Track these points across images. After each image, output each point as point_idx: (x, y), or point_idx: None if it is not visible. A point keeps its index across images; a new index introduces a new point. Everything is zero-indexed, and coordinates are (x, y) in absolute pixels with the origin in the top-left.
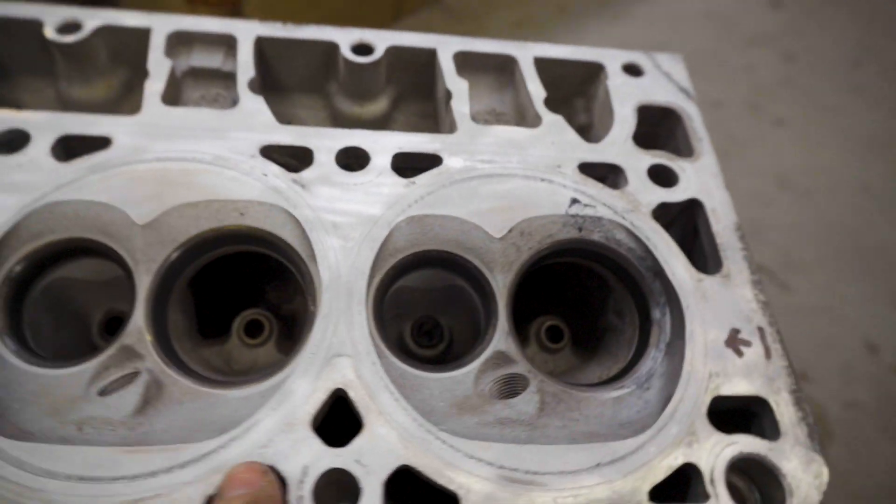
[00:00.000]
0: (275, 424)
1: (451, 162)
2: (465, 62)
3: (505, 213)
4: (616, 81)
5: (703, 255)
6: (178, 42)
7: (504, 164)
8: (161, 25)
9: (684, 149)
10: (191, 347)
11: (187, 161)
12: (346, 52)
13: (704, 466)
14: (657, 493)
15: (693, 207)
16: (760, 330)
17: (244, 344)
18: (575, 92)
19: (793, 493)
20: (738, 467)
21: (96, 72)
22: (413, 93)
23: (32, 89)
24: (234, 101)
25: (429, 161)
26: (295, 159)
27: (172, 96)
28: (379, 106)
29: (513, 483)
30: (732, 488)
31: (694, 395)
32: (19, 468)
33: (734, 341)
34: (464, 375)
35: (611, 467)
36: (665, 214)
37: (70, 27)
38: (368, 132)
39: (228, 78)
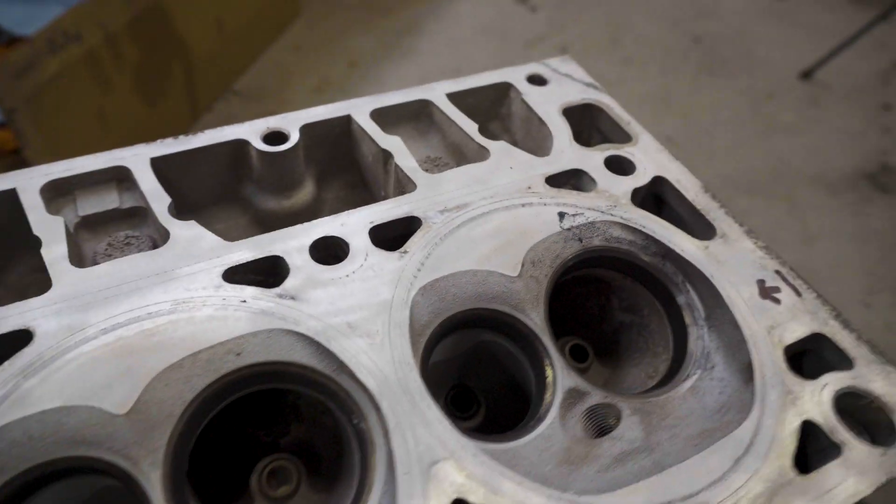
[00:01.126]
0: None
1: (429, 219)
2: (381, 119)
3: (509, 250)
4: (531, 94)
5: (682, 224)
6: (57, 193)
7: (478, 203)
8: (26, 181)
9: (619, 136)
10: None
11: (143, 320)
12: (258, 144)
13: (819, 418)
14: (797, 463)
15: (657, 185)
16: (779, 273)
17: (273, 500)
18: (488, 117)
19: (893, 410)
20: (839, 407)
21: None
22: (333, 168)
23: None
24: (151, 239)
25: (405, 225)
26: (264, 275)
27: (76, 257)
28: (306, 192)
29: None
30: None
31: (768, 354)
32: None
33: (766, 292)
34: (549, 428)
35: (749, 457)
36: (635, 201)
37: None
38: (328, 218)
39: (133, 216)
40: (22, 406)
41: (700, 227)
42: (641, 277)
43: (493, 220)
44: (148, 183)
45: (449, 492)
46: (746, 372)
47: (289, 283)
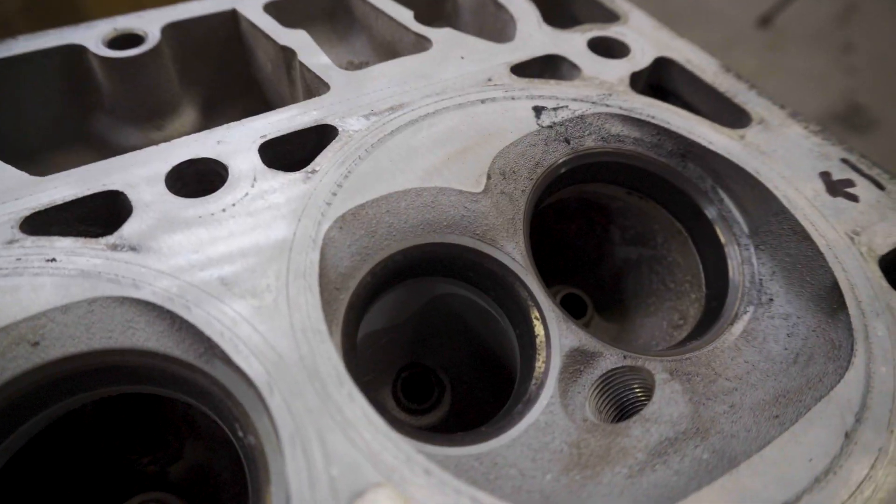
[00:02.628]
0: None
1: (348, 125)
2: (281, 18)
3: (467, 158)
4: None
5: (715, 115)
6: None
7: (420, 101)
8: None
9: (602, 16)
10: None
11: None
12: (99, 49)
13: None
14: None
15: (662, 70)
16: (846, 162)
17: None
18: (431, 15)
19: None
20: None
21: None
22: (225, 90)
23: None
24: None
25: (315, 137)
26: (95, 222)
27: None
28: (184, 121)
29: None
30: None
31: (858, 269)
32: None
33: (835, 187)
34: (545, 413)
35: (864, 428)
36: (638, 89)
37: None
38: (199, 134)
39: None
40: None
41: (728, 115)
42: (653, 190)
43: (441, 121)
44: None
45: None
46: (828, 299)
47: (128, 229)
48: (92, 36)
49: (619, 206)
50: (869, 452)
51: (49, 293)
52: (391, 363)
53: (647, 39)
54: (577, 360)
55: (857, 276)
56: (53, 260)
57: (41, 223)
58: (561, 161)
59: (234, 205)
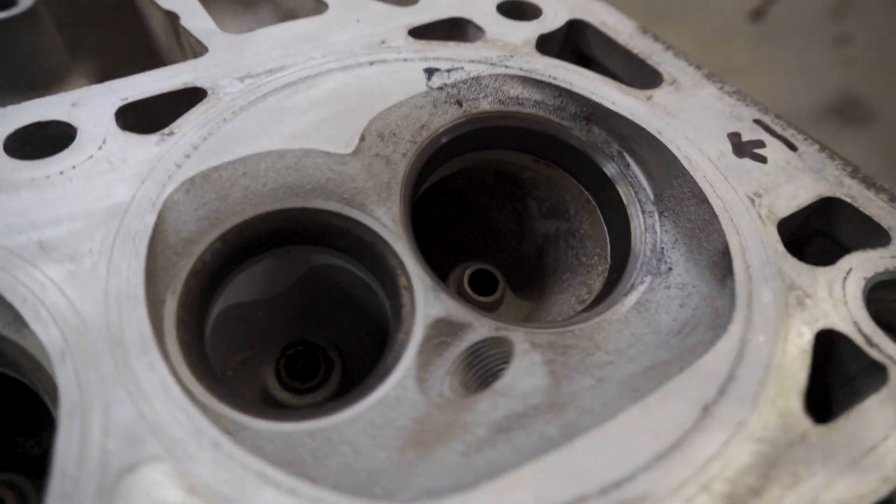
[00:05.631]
0: None
1: (220, 87)
2: None
3: (342, 120)
4: None
5: (631, 77)
6: None
7: (304, 64)
8: None
9: None
10: None
11: None
12: None
13: (844, 324)
14: (811, 400)
15: (576, 32)
16: (759, 123)
17: None
18: None
19: None
20: (876, 300)
21: None
22: (123, 59)
23: None
24: None
25: (185, 101)
26: None
27: None
28: (70, 86)
29: None
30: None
31: (754, 233)
32: None
33: (743, 147)
34: (398, 388)
35: (727, 401)
36: (549, 53)
37: None
38: (57, 96)
39: None
40: None
41: (640, 77)
42: (559, 157)
43: (322, 83)
44: None
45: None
46: (721, 265)
47: None
48: None
49: (529, 175)
50: (725, 427)
51: None
52: (273, 339)
53: (562, 2)
54: (443, 332)
55: (751, 240)
56: None
57: None
58: (450, 123)
59: (73, 167)
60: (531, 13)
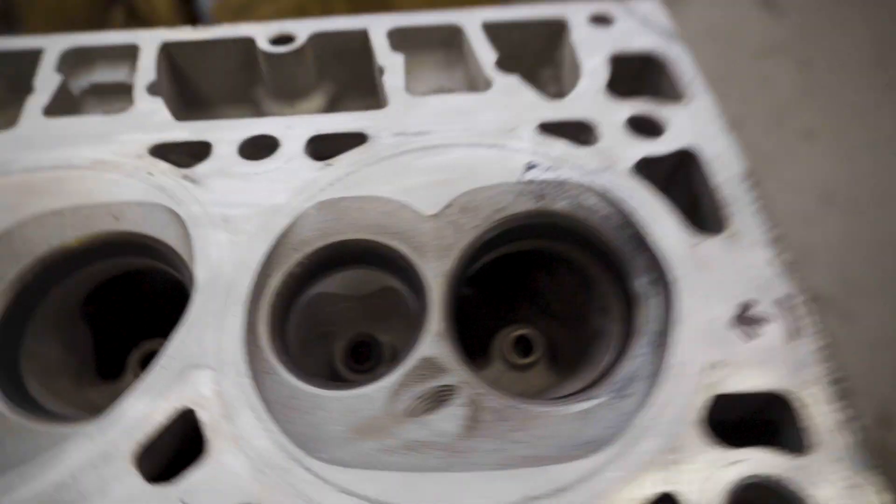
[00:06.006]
0: (87, 457)
1: (378, 138)
2: (405, 40)
3: (442, 188)
4: (581, 34)
5: (693, 215)
6: (77, 60)
7: (444, 133)
8: (53, 44)
9: (672, 95)
10: (74, 388)
11: (60, 168)
12: (263, 44)
13: (692, 497)
14: None
15: (687, 161)
16: (783, 302)
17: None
18: (540, 60)
19: None
20: (747, 499)
21: None
22: (355, 90)
23: None
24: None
25: (354, 142)
26: (191, 157)
27: (66, 112)
28: (313, 104)
29: None
30: None
31: (682, 394)
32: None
33: (745, 319)
34: (376, 392)
35: (548, 501)
36: (653, 174)
37: None
38: (280, 119)
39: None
40: None
41: (711, 220)
42: (609, 265)
43: (446, 154)
44: (146, 60)
45: (185, 398)
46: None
47: (200, 168)
48: (262, 32)
49: (590, 273)
50: None
51: (138, 192)
52: (349, 328)
53: (690, 127)
54: (428, 368)
55: (674, 401)
56: (151, 174)
57: (160, 149)
58: (524, 212)
59: (268, 172)
60: (654, 129)
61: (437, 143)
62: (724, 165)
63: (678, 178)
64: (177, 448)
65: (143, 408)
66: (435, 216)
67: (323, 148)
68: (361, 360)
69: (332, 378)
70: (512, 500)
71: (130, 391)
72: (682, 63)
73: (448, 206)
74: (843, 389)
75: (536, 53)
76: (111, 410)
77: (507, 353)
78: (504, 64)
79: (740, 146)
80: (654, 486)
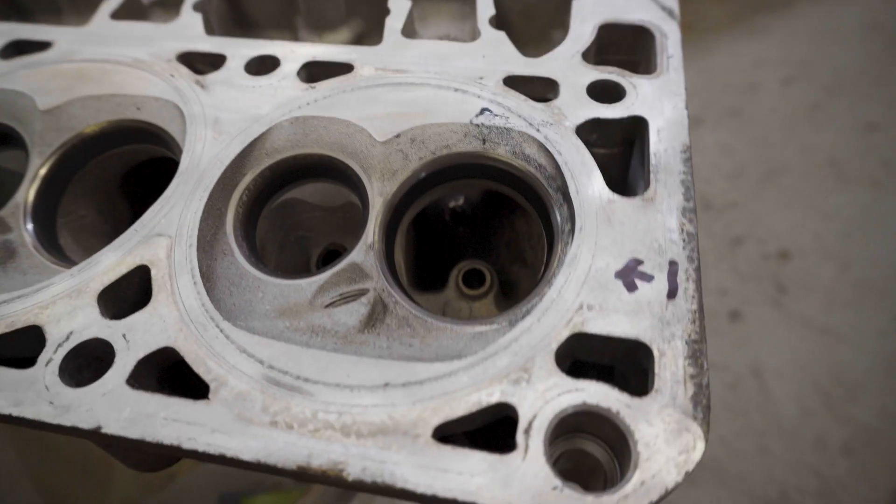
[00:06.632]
0: (65, 289)
1: (361, 70)
2: None
3: (398, 119)
4: (584, 1)
5: (625, 179)
6: None
7: (418, 73)
8: None
9: (647, 69)
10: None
11: (107, 62)
12: None
13: (523, 410)
14: (452, 432)
15: (638, 129)
16: (672, 264)
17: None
18: (552, 22)
19: (637, 466)
20: (579, 425)
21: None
22: (379, 29)
23: None
24: None
25: (341, 71)
26: (209, 66)
27: (131, 17)
28: (339, 37)
29: (275, 385)
30: (574, 453)
31: (548, 326)
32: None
33: (630, 272)
34: (308, 284)
35: (401, 390)
36: (607, 137)
37: None
38: (289, 43)
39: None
40: (7, 81)
41: (638, 183)
42: (539, 211)
43: (413, 91)
44: None
45: (143, 257)
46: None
47: (210, 76)
48: None
49: (525, 211)
50: (388, 399)
51: (158, 89)
52: (323, 236)
53: (650, 99)
54: (354, 272)
55: (539, 330)
56: (172, 76)
57: (186, 57)
58: (466, 152)
59: (262, 86)
60: (613, 96)
61: (408, 82)
62: (668, 136)
63: (636, 146)
64: (133, 299)
65: (114, 259)
66: (385, 143)
67: (315, 73)
68: (325, 260)
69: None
70: (369, 382)
71: (108, 247)
72: (670, 41)
73: (398, 136)
74: (698, 351)
75: (549, 16)
76: (91, 259)
77: (460, 283)
78: (516, 23)
79: (687, 124)
80: (495, 396)
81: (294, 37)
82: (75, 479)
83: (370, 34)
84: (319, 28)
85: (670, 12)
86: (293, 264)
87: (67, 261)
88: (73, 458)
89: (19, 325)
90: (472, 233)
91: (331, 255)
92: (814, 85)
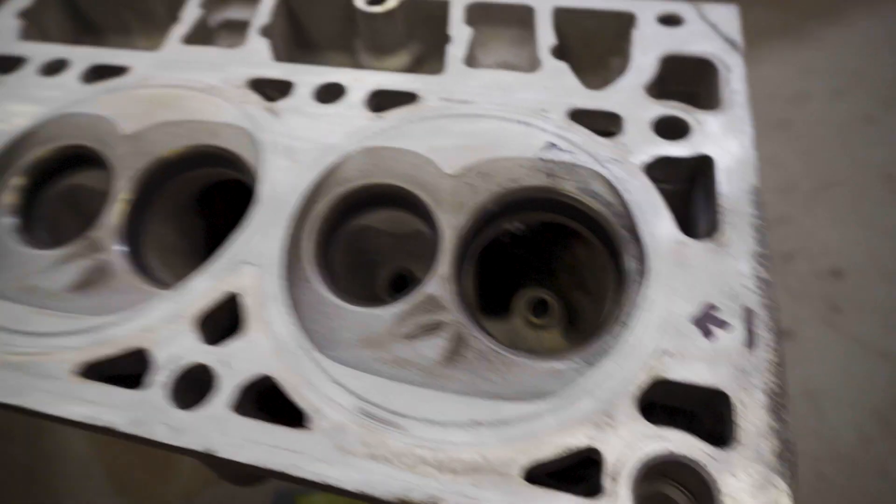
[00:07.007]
0: (165, 313)
1: (426, 100)
2: (484, 14)
3: (466, 152)
4: (645, 31)
5: (695, 219)
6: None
7: (482, 104)
8: None
9: (711, 103)
10: (182, 265)
11: (181, 88)
12: (360, 3)
13: (610, 456)
14: (540, 472)
15: (703, 167)
16: (748, 311)
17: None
18: (611, 49)
19: None
20: (663, 471)
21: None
22: (439, 52)
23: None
24: None
25: (406, 100)
26: (280, 93)
27: (201, 41)
28: (398, 61)
29: (369, 418)
30: (656, 497)
31: (627, 370)
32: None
33: (706, 318)
34: (386, 314)
35: (490, 430)
36: (673, 175)
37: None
38: (354, 70)
39: None
40: (90, 106)
41: (706, 226)
42: (608, 248)
43: (478, 123)
44: (265, 4)
45: (233, 284)
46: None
47: (281, 103)
48: None
49: (596, 252)
50: (475, 443)
51: (231, 116)
52: (391, 260)
53: (716, 137)
54: (430, 304)
55: (619, 374)
56: (244, 103)
57: (256, 84)
58: (534, 186)
59: (330, 115)
60: (678, 133)
61: (474, 113)
62: (737, 177)
63: (699, 183)
64: (225, 325)
65: (207, 285)
66: (453, 176)
67: (380, 101)
68: (398, 289)
69: (371, 299)
70: (459, 419)
71: (198, 272)
72: (734, 74)
73: (467, 169)
74: (779, 404)
75: (607, 42)
76: (183, 284)
77: (525, 312)
78: (574, 49)
79: (757, 164)
80: (581, 439)
81: (353, 58)
82: (141, 469)
83: (429, 58)
84: (378, 51)
85: (733, 44)
86: (363, 287)
87: (156, 279)
88: (140, 449)
89: (130, 348)
90: (532, 256)
91: (399, 279)
92: (867, 96)
